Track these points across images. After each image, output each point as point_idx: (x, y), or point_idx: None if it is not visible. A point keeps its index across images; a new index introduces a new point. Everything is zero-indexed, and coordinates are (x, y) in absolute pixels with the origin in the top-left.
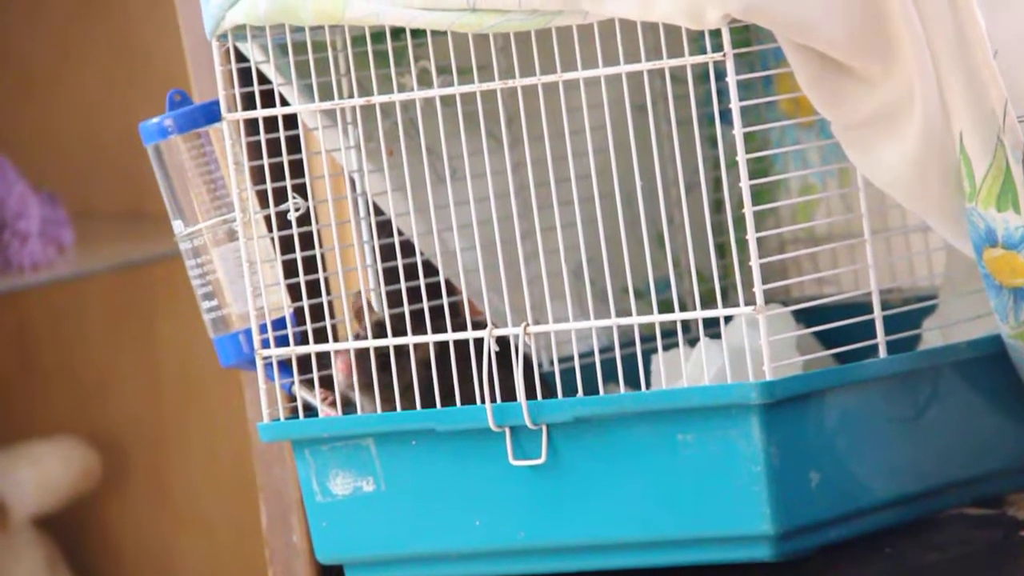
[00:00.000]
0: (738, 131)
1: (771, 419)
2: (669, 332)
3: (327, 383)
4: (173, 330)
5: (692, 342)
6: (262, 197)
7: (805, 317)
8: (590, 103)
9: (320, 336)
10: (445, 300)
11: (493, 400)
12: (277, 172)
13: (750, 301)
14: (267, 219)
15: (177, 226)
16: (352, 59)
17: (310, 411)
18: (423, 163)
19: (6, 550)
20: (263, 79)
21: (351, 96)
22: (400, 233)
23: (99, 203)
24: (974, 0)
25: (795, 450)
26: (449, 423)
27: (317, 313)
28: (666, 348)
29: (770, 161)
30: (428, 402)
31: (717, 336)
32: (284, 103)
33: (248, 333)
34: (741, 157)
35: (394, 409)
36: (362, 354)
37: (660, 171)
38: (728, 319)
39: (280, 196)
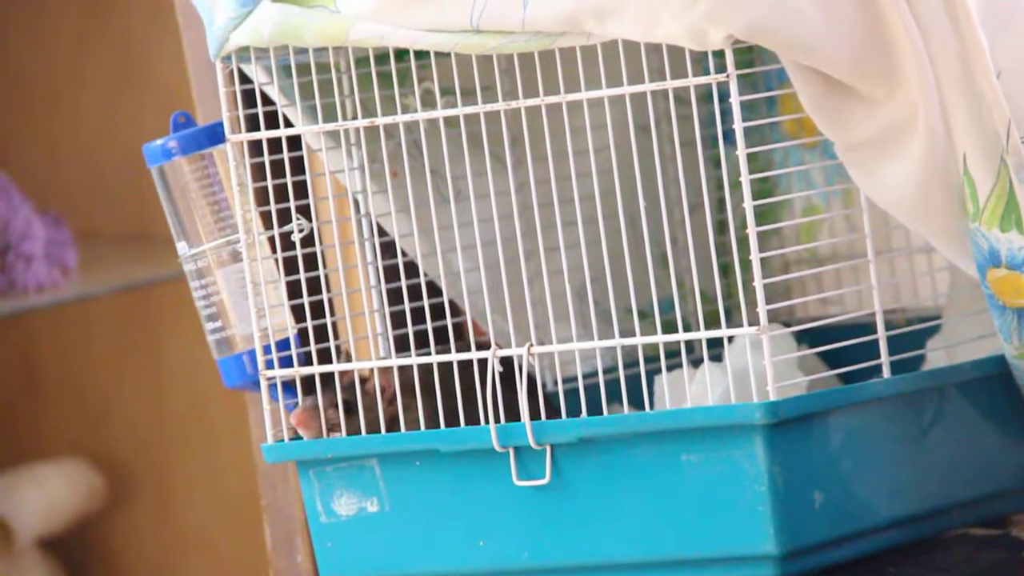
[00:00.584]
0: (741, 152)
1: (775, 439)
2: (673, 352)
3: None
4: (177, 351)
5: (696, 363)
6: (266, 218)
7: (809, 337)
8: (593, 124)
9: (324, 357)
10: (449, 321)
11: (497, 421)
12: (281, 193)
13: (753, 321)
14: (271, 240)
15: (181, 247)
16: (356, 80)
17: None
18: (427, 184)
19: (11, 572)
20: (267, 100)
21: (355, 117)
22: (404, 254)
23: (103, 225)
24: (977, 21)
25: (799, 470)
26: (453, 443)
27: (321, 334)
28: (670, 368)
29: (774, 182)
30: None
31: (720, 357)
32: (288, 124)
33: (252, 354)
34: (744, 178)
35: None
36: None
37: (663, 192)
38: (731, 339)
39: (284, 217)
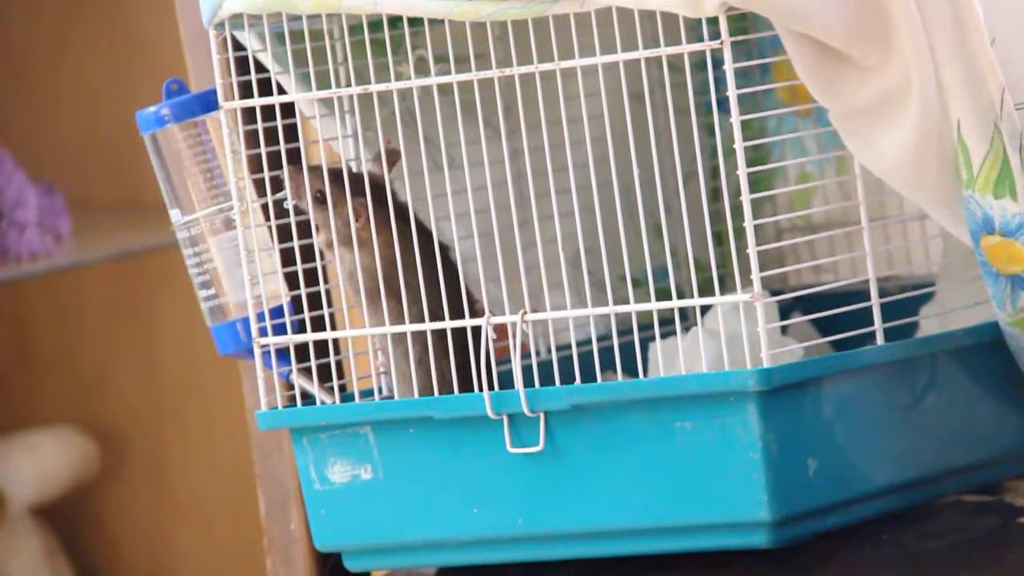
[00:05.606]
0: (735, 119)
1: (769, 406)
2: (667, 320)
3: (325, 372)
4: (171, 319)
5: (690, 330)
6: (259, 186)
7: (803, 305)
8: (587, 92)
9: (318, 325)
10: (443, 289)
11: (491, 388)
12: (274, 161)
13: (747, 289)
14: (264, 208)
15: (174, 215)
16: (349, 48)
17: (308, 399)
18: (420, 152)
19: (4, 540)
20: (260, 68)
21: (348, 85)
22: None
23: (97, 193)
24: None
25: (793, 437)
26: (447, 411)
27: (315, 301)
28: (663, 336)
29: (768, 149)
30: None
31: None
32: (281, 92)
33: (246, 322)
34: (739, 145)
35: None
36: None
37: (658, 159)
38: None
39: (277, 185)
